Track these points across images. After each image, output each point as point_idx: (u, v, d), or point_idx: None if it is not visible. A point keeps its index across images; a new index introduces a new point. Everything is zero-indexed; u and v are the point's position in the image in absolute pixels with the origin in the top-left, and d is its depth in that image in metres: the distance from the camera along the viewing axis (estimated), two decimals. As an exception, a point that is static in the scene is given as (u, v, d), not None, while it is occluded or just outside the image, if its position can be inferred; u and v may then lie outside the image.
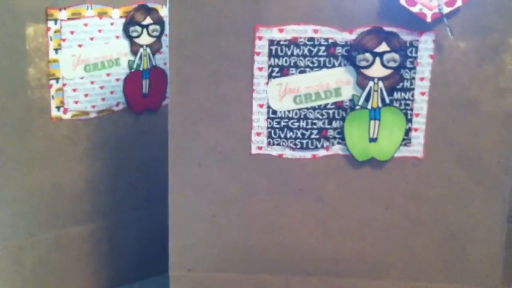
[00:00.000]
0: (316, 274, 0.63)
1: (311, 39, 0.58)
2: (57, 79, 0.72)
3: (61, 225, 0.76)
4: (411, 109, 0.59)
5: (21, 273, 0.74)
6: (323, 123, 0.59)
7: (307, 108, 0.59)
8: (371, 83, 0.58)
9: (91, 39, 0.73)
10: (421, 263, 0.62)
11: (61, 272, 0.77)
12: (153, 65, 0.79)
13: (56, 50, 0.71)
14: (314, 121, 0.59)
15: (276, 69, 0.58)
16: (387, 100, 0.59)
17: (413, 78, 0.58)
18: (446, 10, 0.56)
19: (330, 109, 0.59)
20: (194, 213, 0.62)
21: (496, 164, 0.60)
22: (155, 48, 0.78)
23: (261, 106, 0.59)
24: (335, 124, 0.59)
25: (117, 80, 0.77)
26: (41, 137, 0.72)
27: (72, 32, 0.72)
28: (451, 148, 0.60)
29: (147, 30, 0.77)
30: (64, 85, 0.72)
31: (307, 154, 0.60)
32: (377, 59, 0.58)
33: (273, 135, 0.60)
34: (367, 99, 0.59)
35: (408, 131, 0.59)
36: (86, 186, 0.77)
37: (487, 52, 0.58)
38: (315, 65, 0.58)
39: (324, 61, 0.58)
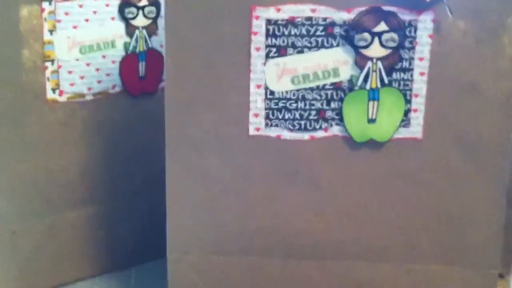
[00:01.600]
0: (312, 257, 0.63)
1: (308, 18, 0.57)
2: (52, 61, 0.71)
3: (56, 210, 0.76)
4: (410, 90, 0.58)
5: (16, 259, 0.74)
6: (321, 104, 0.59)
7: (305, 89, 0.59)
8: (369, 63, 0.58)
9: (86, 20, 0.73)
10: (419, 246, 0.62)
11: (56, 258, 0.77)
12: (149, 47, 0.78)
13: (50, 31, 0.70)
14: (312, 102, 0.59)
15: (274, 49, 0.58)
16: (386, 81, 0.58)
17: (412, 58, 0.58)
18: (445, -11, 0.55)
19: (329, 89, 0.59)
20: (191, 196, 0.61)
21: (495, 146, 0.59)
22: (151, 30, 0.78)
23: (258, 87, 0.59)
24: (333, 105, 0.59)
25: (113, 62, 0.76)
26: (36, 120, 0.71)
27: (67, 14, 0.71)
28: (450, 130, 0.59)
29: (143, 12, 0.76)
30: (59, 67, 0.72)
31: (305, 135, 0.60)
32: (376, 39, 0.57)
33: (271, 116, 0.59)
34: (365, 80, 0.58)
35: (407, 112, 0.59)
36: (82, 171, 0.76)
37: (486, 34, 0.57)
38: (313, 45, 0.57)
39: (322, 41, 0.57)
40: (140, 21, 0.76)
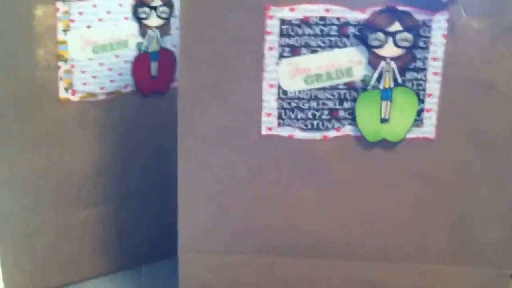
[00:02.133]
0: (324, 257, 0.63)
1: (322, 18, 0.57)
2: (65, 61, 0.71)
3: (70, 208, 0.76)
4: (424, 90, 0.58)
5: (30, 254, 0.74)
6: (334, 104, 0.59)
7: (318, 89, 0.59)
8: (383, 63, 0.58)
9: (100, 20, 0.73)
10: (431, 246, 0.62)
11: (70, 254, 0.77)
12: (161, 47, 0.78)
13: (64, 31, 0.70)
14: (325, 101, 0.59)
15: (287, 49, 0.58)
16: (399, 80, 0.58)
17: (426, 58, 0.58)
18: (460, -11, 0.55)
19: (342, 89, 0.59)
20: (203, 194, 0.61)
21: (509, 146, 0.59)
22: (164, 29, 0.78)
23: (271, 86, 0.59)
24: (346, 104, 0.59)
25: (126, 62, 0.76)
26: (49, 119, 0.71)
27: (80, 13, 0.71)
28: (463, 129, 0.59)
29: (156, 12, 0.76)
30: (72, 66, 0.72)
31: (318, 135, 0.60)
32: (390, 39, 0.57)
33: (283, 115, 0.59)
34: (379, 80, 0.58)
35: (420, 112, 0.59)
36: (95, 169, 0.77)
37: (501, 32, 0.57)
38: (327, 45, 0.57)
39: (336, 41, 0.57)
40: (153, 21, 0.77)
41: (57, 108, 0.72)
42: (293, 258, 0.63)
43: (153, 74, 0.78)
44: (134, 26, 0.76)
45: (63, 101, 0.72)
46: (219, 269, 0.64)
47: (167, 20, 0.78)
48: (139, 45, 0.77)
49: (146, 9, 0.76)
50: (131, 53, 0.76)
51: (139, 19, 0.76)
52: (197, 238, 0.63)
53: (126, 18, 0.75)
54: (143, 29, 0.76)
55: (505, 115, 0.58)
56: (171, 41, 0.79)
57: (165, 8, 0.77)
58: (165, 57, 0.78)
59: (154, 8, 0.76)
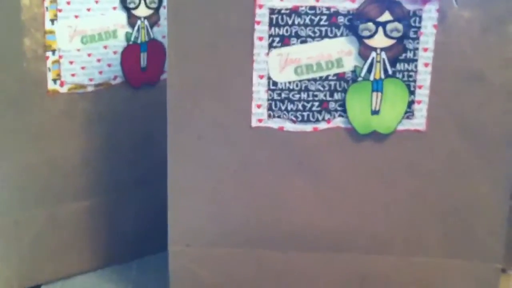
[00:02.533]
0: (316, 249, 0.62)
1: (312, 8, 0.56)
2: (53, 51, 0.70)
3: (57, 201, 0.75)
4: (414, 81, 0.58)
5: (17, 248, 0.74)
6: (325, 95, 0.58)
7: (308, 80, 0.58)
8: (373, 54, 0.57)
9: (88, 10, 0.72)
10: (423, 238, 0.62)
11: (57, 248, 0.77)
12: (151, 38, 0.77)
13: (52, 20, 0.70)
14: (316, 93, 0.58)
15: (277, 39, 0.57)
16: (390, 71, 0.57)
17: (417, 49, 0.57)
18: (451, -22, 0.55)
19: (332, 80, 0.58)
20: (193, 187, 0.61)
21: (500, 137, 0.59)
22: (153, 20, 0.77)
23: (261, 77, 0.58)
24: (336, 96, 0.58)
25: (115, 53, 0.75)
26: (37, 110, 0.70)
27: (68, 3, 0.70)
28: (454, 120, 0.59)
29: (145, 2, 0.75)
30: (60, 57, 0.71)
31: (308, 127, 0.59)
32: (380, 29, 0.56)
33: (273, 107, 0.59)
34: (369, 70, 0.57)
35: (411, 104, 0.58)
36: (83, 161, 0.76)
37: (492, 22, 0.56)
38: (317, 34, 0.57)
39: (326, 30, 0.57)
40: (142, 11, 0.76)
41: (45, 100, 0.71)
42: (284, 250, 0.62)
43: (143, 65, 0.78)
44: (122, 16, 0.75)
45: (51, 92, 0.71)
46: (210, 262, 0.63)
47: (156, 10, 0.77)
48: (128, 35, 0.76)
49: (135, -2, 0.75)
50: (120, 43, 0.75)
51: (127, 9, 0.75)
52: (187, 231, 0.62)
53: (114, 8, 0.74)
54: (132, 19, 0.75)
55: (495, 105, 0.58)
56: (161, 32, 0.78)
57: (154, -2, 0.76)
58: (155, 48, 0.78)
59: (143, -2, 0.75)
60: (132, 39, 0.76)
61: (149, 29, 0.77)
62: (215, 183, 0.61)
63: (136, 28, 0.76)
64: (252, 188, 0.61)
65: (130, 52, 0.76)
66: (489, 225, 0.61)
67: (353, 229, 0.61)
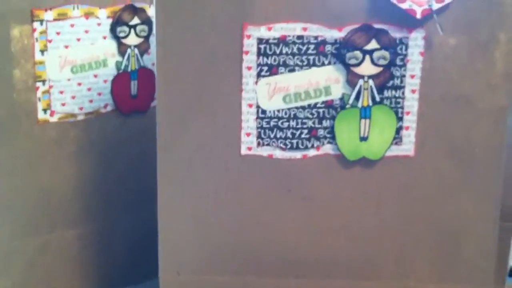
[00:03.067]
0: (306, 276, 0.62)
1: (300, 37, 0.57)
2: (43, 81, 0.71)
3: (49, 228, 0.75)
4: (402, 107, 0.58)
5: (10, 277, 0.73)
6: (313, 123, 0.59)
7: (297, 108, 0.58)
8: (361, 81, 0.58)
9: (78, 40, 0.72)
10: (413, 262, 0.62)
11: (50, 276, 0.77)
12: (141, 65, 0.78)
13: (42, 51, 0.70)
14: (304, 120, 0.59)
15: (265, 68, 0.58)
16: (378, 98, 0.58)
17: (404, 76, 0.58)
18: (435, 6, 0.55)
19: (320, 108, 0.58)
20: (183, 214, 0.61)
21: (488, 160, 0.59)
22: (143, 48, 0.78)
23: (250, 106, 0.58)
24: (325, 123, 0.59)
25: (105, 81, 0.76)
26: (27, 140, 0.71)
27: (58, 33, 0.71)
28: (442, 145, 0.59)
29: (135, 30, 0.76)
30: (50, 87, 0.71)
31: (298, 154, 0.59)
32: (367, 57, 0.57)
33: (262, 135, 0.59)
34: (357, 98, 0.58)
35: (399, 130, 0.59)
36: (74, 189, 0.76)
37: (477, 48, 0.57)
38: (305, 63, 0.57)
39: (314, 59, 0.57)
40: (132, 39, 0.76)
41: (36, 129, 0.71)
42: (274, 277, 0.62)
43: (133, 93, 0.78)
44: (112, 45, 0.75)
45: (41, 122, 0.72)
46: (201, 289, 0.63)
47: (146, 38, 0.78)
48: (118, 64, 0.76)
49: (125, 28, 0.75)
50: (110, 72, 0.76)
51: (117, 38, 0.75)
52: (178, 258, 0.62)
53: (104, 37, 0.75)
54: (122, 48, 0.76)
55: (481, 129, 0.58)
56: (151, 60, 0.79)
57: (144, 27, 0.77)
58: (145, 75, 0.78)
59: (133, 27, 0.76)
60: (122, 67, 0.77)
61: (139, 57, 0.78)
62: (205, 210, 0.61)
63: (126, 56, 0.77)
64: (242, 215, 0.61)
65: (120, 80, 0.77)
66: (480, 248, 0.61)
67: (344, 254, 0.61)
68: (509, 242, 0.77)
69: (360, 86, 0.58)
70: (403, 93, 0.58)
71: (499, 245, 0.62)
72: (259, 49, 0.57)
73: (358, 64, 0.57)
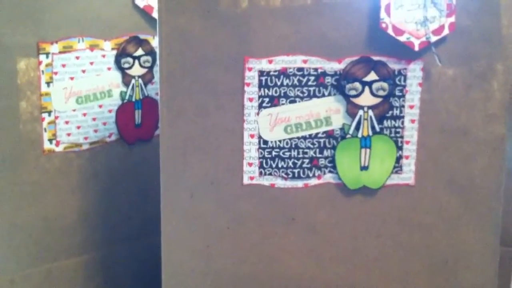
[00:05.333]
0: (310, 304, 0.63)
1: (300, 69, 0.58)
2: (49, 112, 0.72)
3: (53, 258, 0.75)
4: (402, 137, 0.59)
5: (14, 307, 0.74)
6: (314, 152, 0.60)
7: (298, 138, 0.59)
8: (361, 112, 0.59)
9: (83, 71, 0.74)
10: (414, 291, 0.62)
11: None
12: (145, 95, 0.79)
13: (48, 83, 0.71)
14: (305, 150, 0.60)
15: (267, 100, 0.59)
16: (377, 128, 0.59)
17: (403, 106, 0.59)
18: (433, 38, 0.56)
19: (321, 138, 0.59)
20: (186, 244, 0.61)
21: (487, 189, 0.60)
22: (147, 78, 0.79)
23: (252, 136, 0.59)
24: (326, 153, 0.60)
25: (110, 111, 0.77)
26: (33, 170, 0.72)
27: (63, 65, 0.72)
28: (442, 174, 0.60)
29: (139, 61, 0.77)
30: (56, 117, 0.73)
31: (299, 183, 0.60)
32: (366, 88, 0.58)
33: (264, 165, 0.60)
34: (357, 128, 0.59)
35: (399, 159, 0.59)
36: (79, 218, 0.77)
37: (475, 79, 0.58)
38: (305, 94, 0.58)
39: (314, 90, 0.58)
40: (136, 70, 0.78)
41: (41, 159, 0.72)
42: (278, 306, 0.63)
43: (137, 122, 0.79)
44: (117, 76, 0.77)
45: (47, 152, 0.73)
46: (205, 318, 0.63)
47: (150, 68, 0.79)
48: (122, 94, 0.77)
49: (129, 59, 0.77)
50: (114, 102, 0.77)
51: (122, 69, 0.77)
52: (181, 286, 0.62)
53: (109, 69, 0.76)
54: (127, 79, 0.77)
55: (480, 158, 0.59)
56: (155, 89, 0.80)
57: (148, 57, 0.78)
58: (149, 105, 0.79)
59: (137, 58, 0.77)
60: (127, 97, 0.78)
61: (143, 87, 0.79)
62: (208, 239, 0.61)
63: (130, 86, 0.78)
64: (244, 245, 0.61)
65: (124, 110, 0.78)
66: (479, 276, 0.61)
67: (345, 283, 0.62)
68: (511, 267, 0.77)
69: (360, 117, 0.59)
70: (402, 123, 0.59)
71: (501, 270, 0.63)
72: (260, 81, 0.58)
73: (358, 95, 0.58)
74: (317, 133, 0.59)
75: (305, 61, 0.58)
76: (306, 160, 0.60)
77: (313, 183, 0.60)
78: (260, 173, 0.60)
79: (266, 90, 0.58)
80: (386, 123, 0.59)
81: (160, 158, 0.60)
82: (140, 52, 0.77)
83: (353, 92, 0.58)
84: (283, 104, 0.59)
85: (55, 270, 0.76)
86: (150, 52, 0.78)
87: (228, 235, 0.61)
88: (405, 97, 0.58)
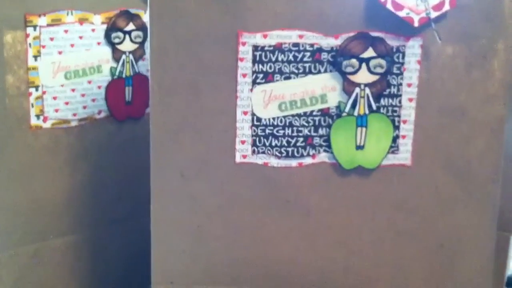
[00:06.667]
0: (302, 287, 0.61)
1: (296, 44, 0.56)
2: (36, 87, 0.70)
3: (41, 238, 0.74)
4: (399, 116, 0.58)
5: (2, 286, 0.73)
6: (309, 131, 0.58)
7: (293, 115, 0.58)
8: (357, 89, 0.57)
9: (72, 45, 0.72)
10: (409, 275, 0.61)
11: (42, 285, 0.76)
12: (136, 72, 0.77)
13: (35, 57, 0.69)
14: (300, 128, 0.58)
15: (261, 76, 0.57)
16: (374, 107, 0.57)
17: (400, 84, 0.57)
18: (433, 14, 0.55)
19: (316, 116, 0.58)
20: (177, 224, 0.60)
21: (485, 171, 0.59)
22: (138, 54, 0.77)
23: (245, 113, 0.58)
24: (321, 131, 0.58)
25: (99, 87, 0.75)
26: (20, 147, 0.70)
27: (52, 39, 0.70)
28: (439, 155, 0.58)
29: (130, 36, 0.76)
30: (44, 93, 0.71)
31: (293, 163, 0.59)
32: (364, 65, 0.56)
33: (258, 143, 0.58)
34: (353, 106, 0.57)
35: (395, 138, 0.58)
36: (67, 197, 0.75)
37: (475, 58, 0.57)
38: (300, 71, 0.57)
39: (310, 67, 0.57)
40: (127, 45, 0.76)
41: (28, 136, 0.71)
42: (270, 288, 0.62)
43: (128, 99, 0.77)
44: (107, 51, 0.75)
45: (34, 128, 0.71)
46: (194, 300, 0.62)
47: (141, 44, 0.77)
48: (112, 70, 0.76)
49: (119, 34, 0.75)
50: (104, 78, 0.75)
51: (112, 44, 0.75)
52: (171, 269, 0.61)
53: (99, 43, 0.74)
54: (117, 54, 0.75)
55: (478, 140, 0.58)
56: (146, 66, 0.78)
57: (139, 33, 0.76)
58: (140, 82, 0.78)
59: (128, 33, 0.75)
60: (117, 73, 0.76)
61: (134, 63, 0.77)
62: (199, 220, 0.60)
63: (121, 62, 0.76)
64: (236, 225, 0.60)
65: (114, 87, 0.76)
66: (476, 260, 0.61)
67: (339, 267, 0.61)
68: (507, 251, 0.77)
69: (357, 94, 0.57)
70: (400, 101, 0.57)
71: (497, 254, 0.62)
72: (254, 56, 0.56)
73: (355, 72, 0.56)
74: (312, 111, 0.58)
75: (301, 36, 0.56)
76: (301, 139, 0.58)
77: (308, 162, 0.59)
78: (253, 151, 0.58)
79: (260, 66, 0.57)
80: (383, 101, 0.57)
81: (150, 136, 0.58)
82: (131, 27, 0.75)
83: (349, 69, 0.56)
84: (277, 80, 0.57)
85: (43, 250, 0.75)
86: (142, 27, 0.76)
87: (220, 216, 0.60)
88: (403, 75, 0.57)
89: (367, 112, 0.57)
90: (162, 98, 0.57)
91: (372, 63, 0.56)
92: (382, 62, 0.56)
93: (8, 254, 0.72)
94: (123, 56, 0.76)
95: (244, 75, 0.57)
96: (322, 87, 0.57)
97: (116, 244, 0.80)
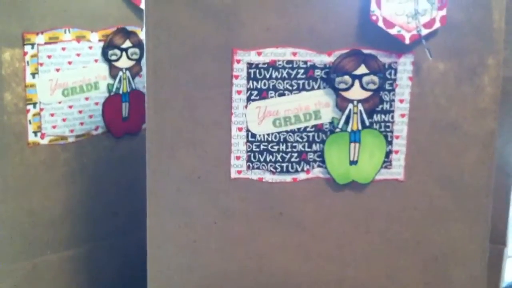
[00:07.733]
0: (297, 300, 0.62)
1: (289, 61, 0.57)
2: (34, 104, 0.71)
3: (38, 253, 0.74)
4: (391, 131, 0.58)
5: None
6: (303, 146, 0.59)
7: (287, 131, 0.59)
8: (350, 106, 0.58)
9: (69, 63, 0.73)
10: (403, 287, 0.62)
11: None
12: (132, 88, 0.78)
13: (33, 74, 0.70)
14: (294, 144, 0.59)
15: (255, 92, 0.58)
16: (367, 123, 0.58)
17: (393, 100, 0.58)
18: (424, 31, 0.56)
19: (310, 132, 0.59)
20: (172, 239, 0.60)
21: (477, 185, 0.59)
22: (135, 71, 0.78)
23: (240, 129, 0.58)
24: (315, 147, 0.59)
25: (96, 104, 0.76)
26: (17, 163, 0.71)
27: (49, 56, 0.71)
28: (432, 169, 0.59)
29: (127, 53, 0.76)
30: (41, 109, 0.71)
31: (287, 178, 0.59)
32: (356, 82, 0.57)
33: (252, 158, 0.59)
34: (347, 122, 0.58)
35: (388, 154, 0.59)
36: (64, 212, 0.76)
37: (466, 73, 0.57)
38: (294, 87, 0.58)
39: (303, 83, 0.58)
40: (124, 62, 0.77)
41: (26, 152, 0.71)
42: (265, 302, 0.62)
43: (124, 115, 0.78)
44: (104, 68, 0.76)
45: (31, 144, 0.71)
46: (191, 314, 0.62)
47: (138, 61, 0.78)
48: (109, 86, 0.76)
49: (116, 51, 0.76)
50: (101, 94, 0.76)
51: (109, 61, 0.76)
52: (167, 283, 0.61)
53: (96, 60, 0.75)
54: (114, 71, 0.76)
55: (470, 153, 0.59)
56: (143, 82, 0.79)
57: (136, 50, 0.77)
58: (136, 98, 0.78)
59: (125, 50, 0.76)
60: (114, 90, 0.77)
61: (131, 80, 0.78)
62: (194, 234, 0.60)
63: (117, 79, 0.77)
64: (231, 240, 0.60)
65: (111, 103, 0.77)
66: (469, 271, 0.61)
67: (333, 279, 0.61)
68: (501, 264, 0.77)
69: (350, 110, 0.58)
70: (392, 117, 0.58)
71: (491, 267, 0.62)
72: (249, 73, 0.57)
73: (348, 89, 0.57)
74: (306, 127, 0.59)
75: (294, 54, 0.57)
76: (295, 154, 0.59)
77: (302, 178, 0.59)
78: (248, 167, 0.59)
79: (255, 83, 0.58)
80: (376, 117, 0.58)
81: (146, 151, 0.59)
82: (127, 44, 0.76)
83: (342, 86, 0.57)
84: (272, 97, 0.58)
85: (40, 265, 0.75)
86: (138, 44, 0.77)
87: (215, 230, 0.60)
88: (395, 91, 0.58)
89: (360, 127, 0.58)
90: (157, 113, 0.58)
91: (365, 79, 0.57)
92: (375, 78, 0.57)
93: (5, 268, 0.72)
94: (120, 73, 0.77)
95: (239, 92, 0.58)
96: (316, 103, 0.58)
97: (113, 258, 0.80)
